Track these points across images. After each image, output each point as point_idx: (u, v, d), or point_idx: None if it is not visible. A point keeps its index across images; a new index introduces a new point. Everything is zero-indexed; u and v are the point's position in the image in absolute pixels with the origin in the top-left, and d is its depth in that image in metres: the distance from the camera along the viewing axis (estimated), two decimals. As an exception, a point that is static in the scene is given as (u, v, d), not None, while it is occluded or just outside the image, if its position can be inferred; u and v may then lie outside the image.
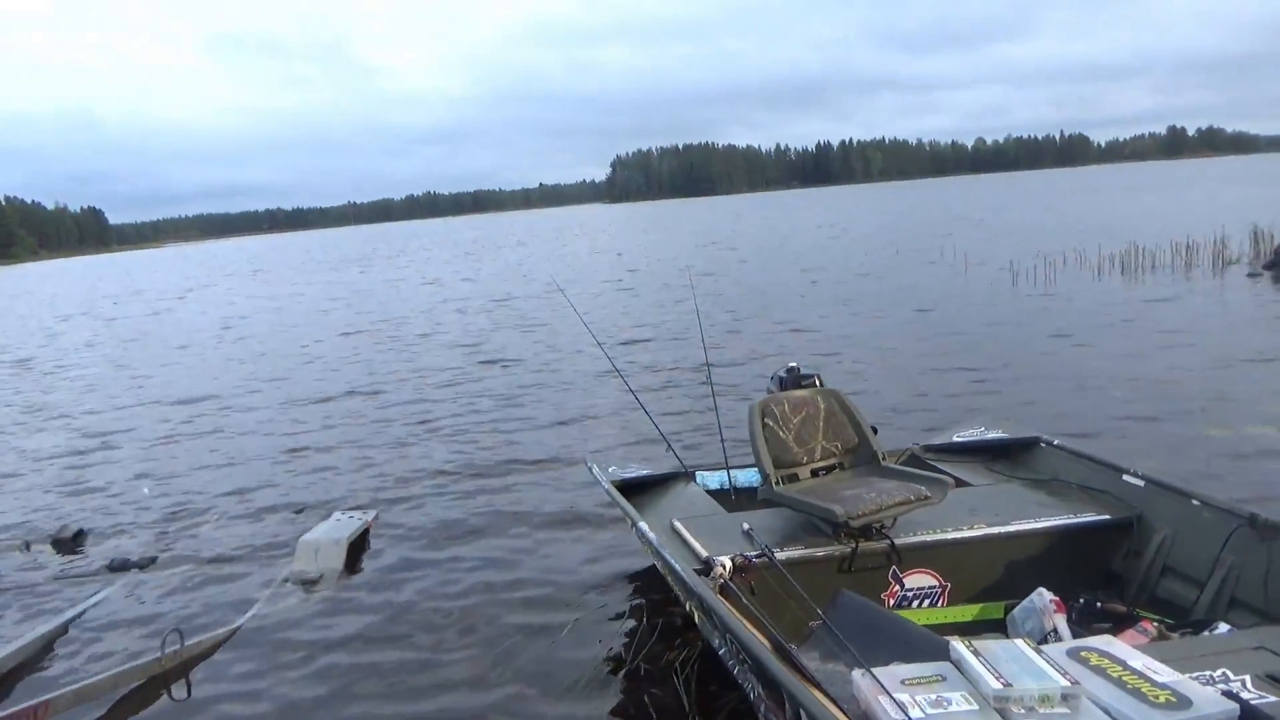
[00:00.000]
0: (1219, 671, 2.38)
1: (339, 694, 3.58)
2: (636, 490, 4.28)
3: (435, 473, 6.50)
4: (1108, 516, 3.64)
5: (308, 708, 3.50)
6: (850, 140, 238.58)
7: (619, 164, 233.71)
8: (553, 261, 27.97)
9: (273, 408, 9.37)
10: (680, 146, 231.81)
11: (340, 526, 5.06)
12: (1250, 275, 14.07)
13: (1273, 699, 2.24)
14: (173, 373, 12.50)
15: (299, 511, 5.85)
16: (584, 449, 6.68)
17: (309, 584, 4.64)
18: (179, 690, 3.71)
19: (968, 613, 3.44)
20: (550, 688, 3.49)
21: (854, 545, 3.44)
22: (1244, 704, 2.13)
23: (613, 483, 4.19)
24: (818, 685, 2.33)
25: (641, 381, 8.68)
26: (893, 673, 2.31)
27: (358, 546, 5.02)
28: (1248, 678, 2.34)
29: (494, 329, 13.95)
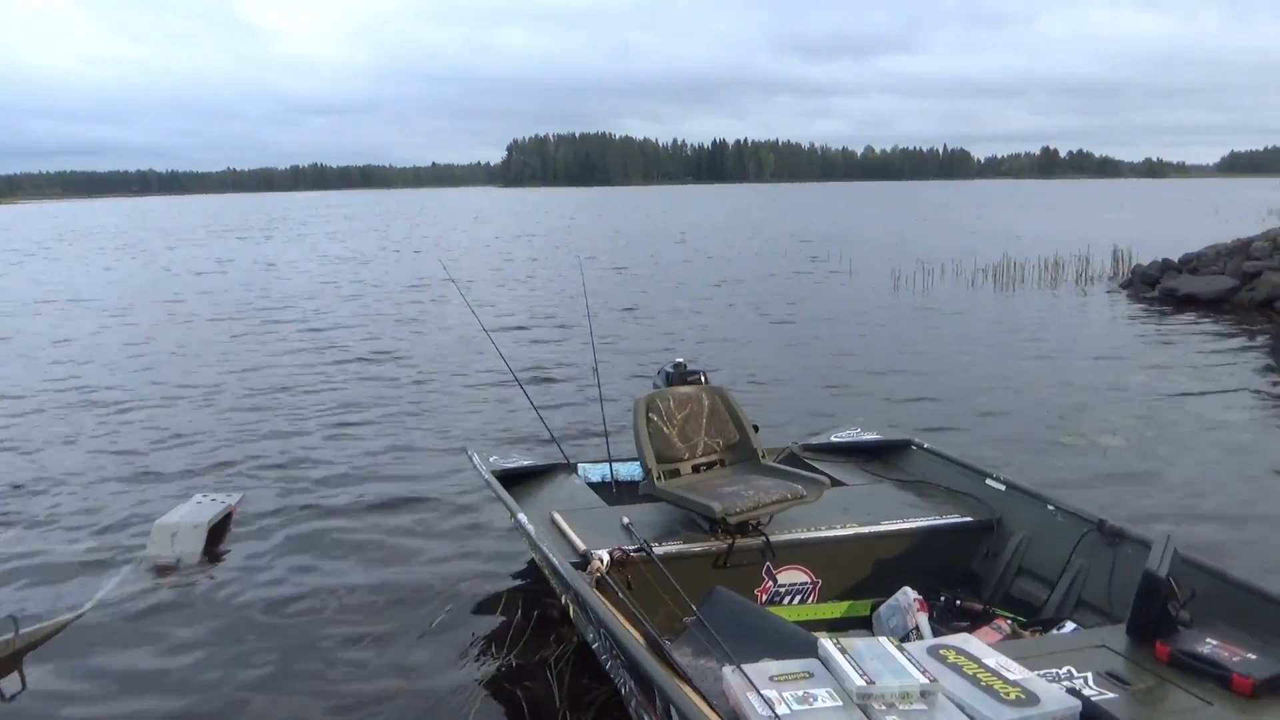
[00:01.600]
0: (1064, 669, 2.51)
1: (186, 686, 3.39)
2: (517, 481, 4.23)
3: (306, 459, 6.26)
4: (970, 519, 3.79)
5: (153, 700, 3.30)
6: (745, 140, 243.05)
7: (515, 148, 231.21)
8: (443, 245, 27.40)
9: (131, 386, 8.84)
10: (577, 135, 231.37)
11: (200, 510, 4.81)
12: (1109, 292, 15.00)
13: (1111, 695, 2.37)
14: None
15: (153, 495, 5.53)
16: (464, 438, 6.56)
17: (164, 570, 4.39)
18: (10, 683, 3.44)
19: (837, 609, 3.53)
20: (418, 680, 3.40)
21: (730, 541, 3.48)
22: (1085, 700, 2.25)
23: (493, 472, 4.12)
24: (689, 681, 2.34)
25: (527, 372, 8.59)
26: (762, 669, 2.34)
27: (219, 531, 4.78)
28: (1090, 675, 2.47)
29: (376, 314, 13.56)
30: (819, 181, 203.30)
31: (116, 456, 6.37)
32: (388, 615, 3.93)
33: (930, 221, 37.24)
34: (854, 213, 46.44)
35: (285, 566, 4.47)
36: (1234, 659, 2.48)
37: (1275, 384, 8.42)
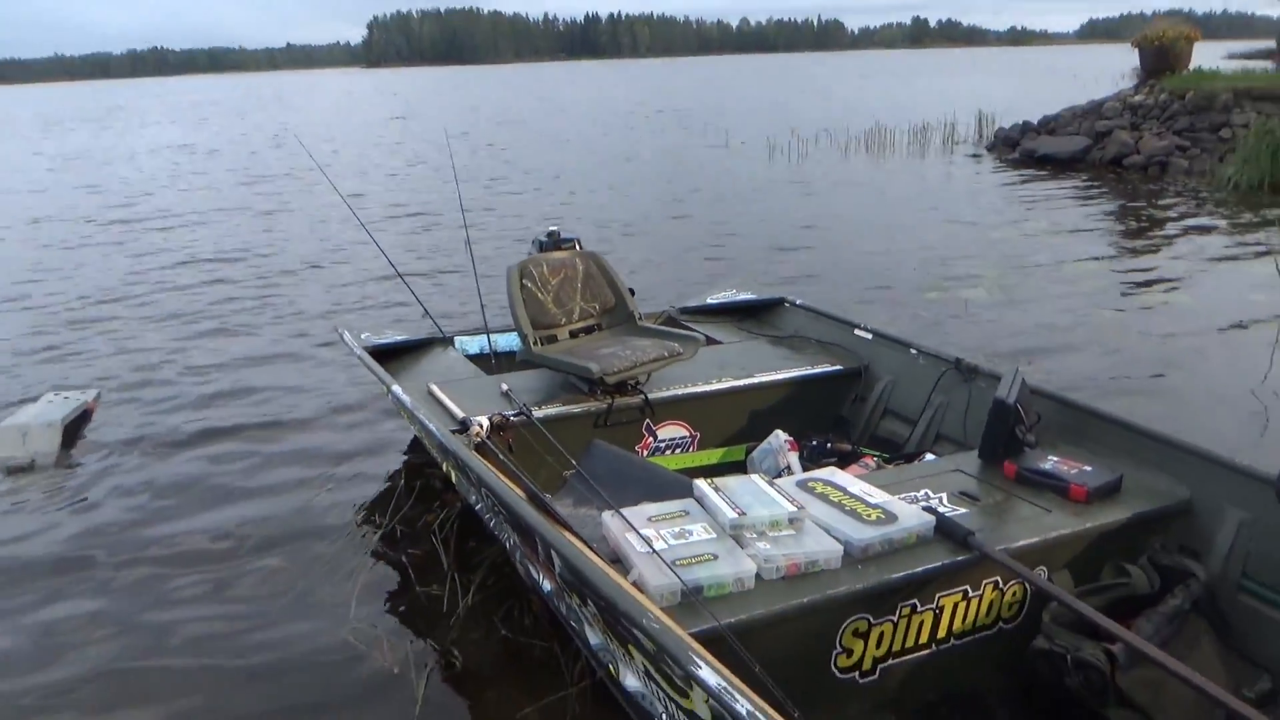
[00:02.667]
0: (922, 492, 2.68)
1: (59, 593, 3.26)
2: (392, 357, 4.14)
3: (170, 351, 5.97)
4: (839, 367, 3.94)
5: (21, 609, 3.18)
6: (619, 14, 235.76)
7: (376, 25, 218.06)
8: (307, 133, 25.90)
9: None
10: (443, 10, 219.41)
11: (53, 408, 4.55)
12: (974, 156, 15.49)
13: (963, 510, 2.55)
14: None
15: None
16: (335, 319, 6.36)
17: (18, 471, 4.16)
18: None
19: (713, 456, 3.66)
20: (300, 556, 3.38)
21: (610, 401, 3.53)
22: (939, 515, 2.41)
23: (366, 349, 4.02)
24: (569, 528, 2.39)
25: (401, 253, 8.34)
26: (640, 511, 2.41)
27: (75, 430, 4.54)
28: (944, 495, 2.65)
29: (238, 207, 12.81)
30: (695, 56, 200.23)
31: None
32: (262, 503, 3.83)
33: (804, 93, 37.32)
34: (730, 87, 46.04)
35: (151, 460, 4.29)
36: (1071, 472, 2.69)
37: (1120, 234, 8.95)
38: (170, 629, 2.99)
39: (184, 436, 4.55)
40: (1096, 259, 7.97)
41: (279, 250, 9.31)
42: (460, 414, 3.29)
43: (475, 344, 4.44)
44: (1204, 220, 9.42)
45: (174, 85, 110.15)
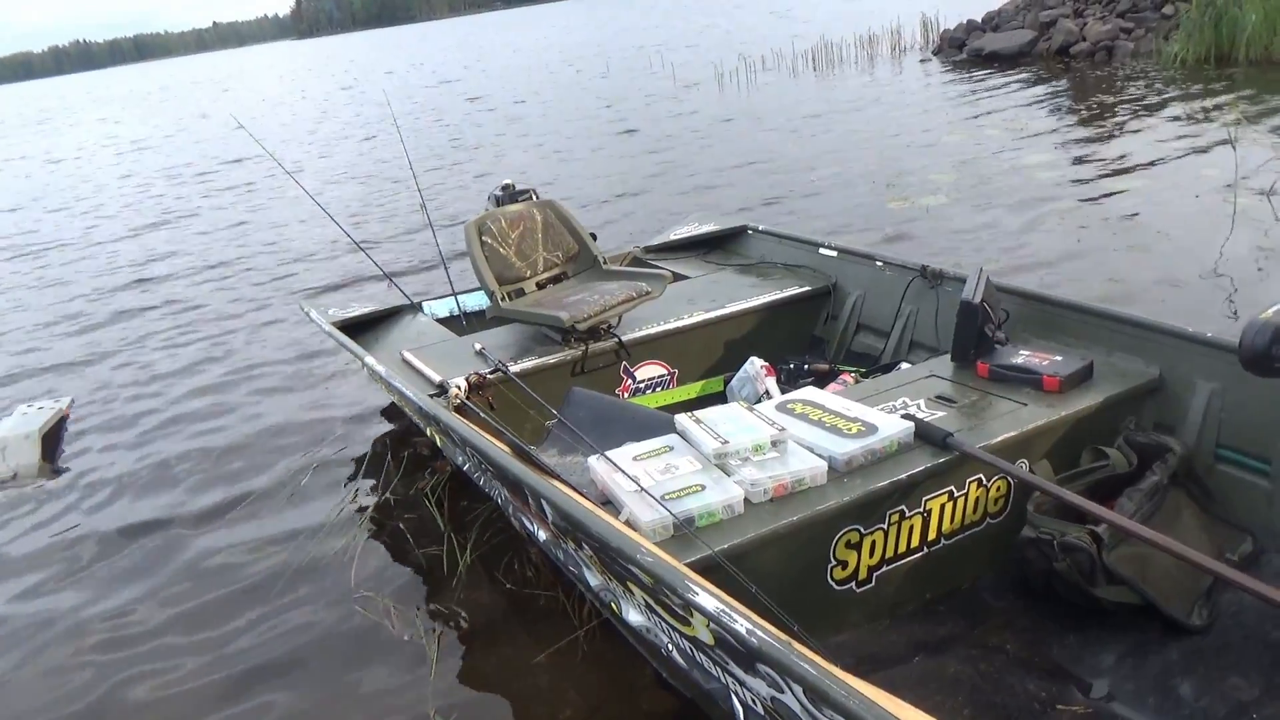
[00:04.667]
0: (899, 400, 2.71)
1: (64, 590, 3.28)
2: (361, 329, 4.10)
3: (135, 348, 5.90)
4: (808, 288, 3.96)
5: (27, 615, 3.19)
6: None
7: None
8: (249, 115, 25.28)
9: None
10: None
11: (28, 420, 4.50)
12: (922, 61, 15.36)
13: (940, 413, 2.59)
14: None
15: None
16: (300, 298, 6.29)
17: (2, 485, 4.13)
18: None
19: (692, 390, 3.68)
20: (296, 535, 3.39)
21: (585, 348, 3.53)
22: (917, 421, 2.45)
23: (333, 323, 3.98)
24: (557, 477, 2.41)
25: (357, 224, 8.23)
26: (624, 452, 2.43)
27: (54, 438, 4.51)
28: (921, 401, 2.69)
29: (183, 193, 12.55)
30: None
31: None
32: (252, 489, 3.83)
33: (745, 9, 36.77)
34: (676, 14, 45.22)
35: (134, 461, 4.26)
36: (1043, 363, 2.73)
37: (1073, 123, 8.96)
38: (176, 617, 3.01)
39: (162, 432, 4.53)
40: (1052, 150, 7.98)
41: (232, 238, 9.15)
42: (437, 378, 3.28)
43: (444, 307, 4.41)
44: (1153, 100, 9.44)
45: (105, 78, 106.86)
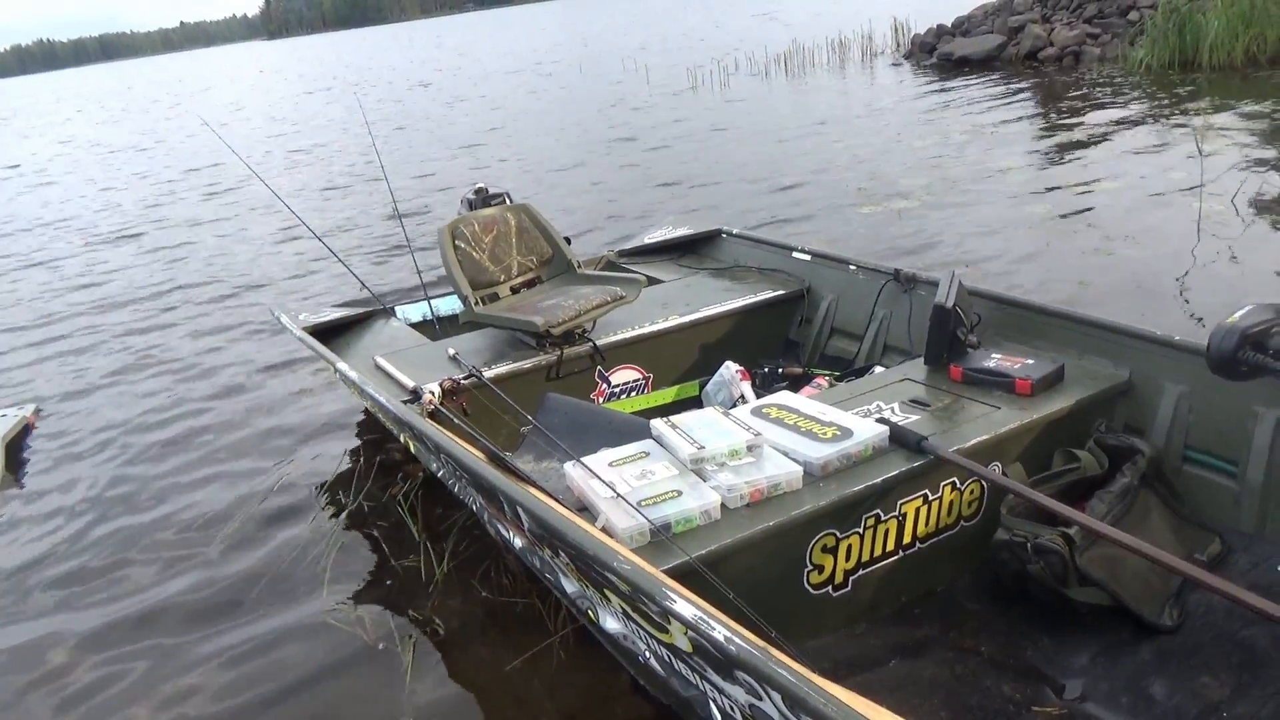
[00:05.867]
0: (874, 404, 2.73)
1: (27, 604, 3.21)
2: (333, 334, 4.07)
3: (101, 357, 5.80)
4: (782, 292, 3.97)
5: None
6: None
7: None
8: (221, 120, 25.00)
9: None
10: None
11: (-10, 427, 4.42)
12: (894, 65, 15.50)
13: (915, 417, 2.61)
14: None
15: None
16: (271, 303, 6.22)
17: (-37, 496, 4.05)
18: None
19: (668, 395, 3.68)
20: (267, 545, 3.34)
21: (559, 353, 3.51)
22: (892, 425, 2.46)
23: (305, 328, 3.94)
24: (533, 484, 2.40)
25: (335, 235, 8.15)
26: (601, 458, 2.42)
27: (17, 446, 4.42)
28: (896, 405, 2.71)
29: (150, 200, 12.38)
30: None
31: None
32: (219, 499, 3.77)
33: (715, 9, 36.89)
34: (647, 18, 45.28)
35: (99, 466, 4.19)
36: (1015, 367, 2.76)
37: (1041, 128, 9.07)
38: (147, 629, 2.96)
39: (130, 439, 4.44)
40: (1021, 154, 8.07)
41: (201, 241, 9.04)
42: (410, 383, 3.25)
43: (417, 311, 4.38)
44: (1119, 105, 9.58)
45: (70, 78, 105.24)
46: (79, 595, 3.23)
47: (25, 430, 4.57)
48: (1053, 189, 6.87)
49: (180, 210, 10.78)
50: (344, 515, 3.47)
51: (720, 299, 3.92)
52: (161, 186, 12.85)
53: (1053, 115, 9.67)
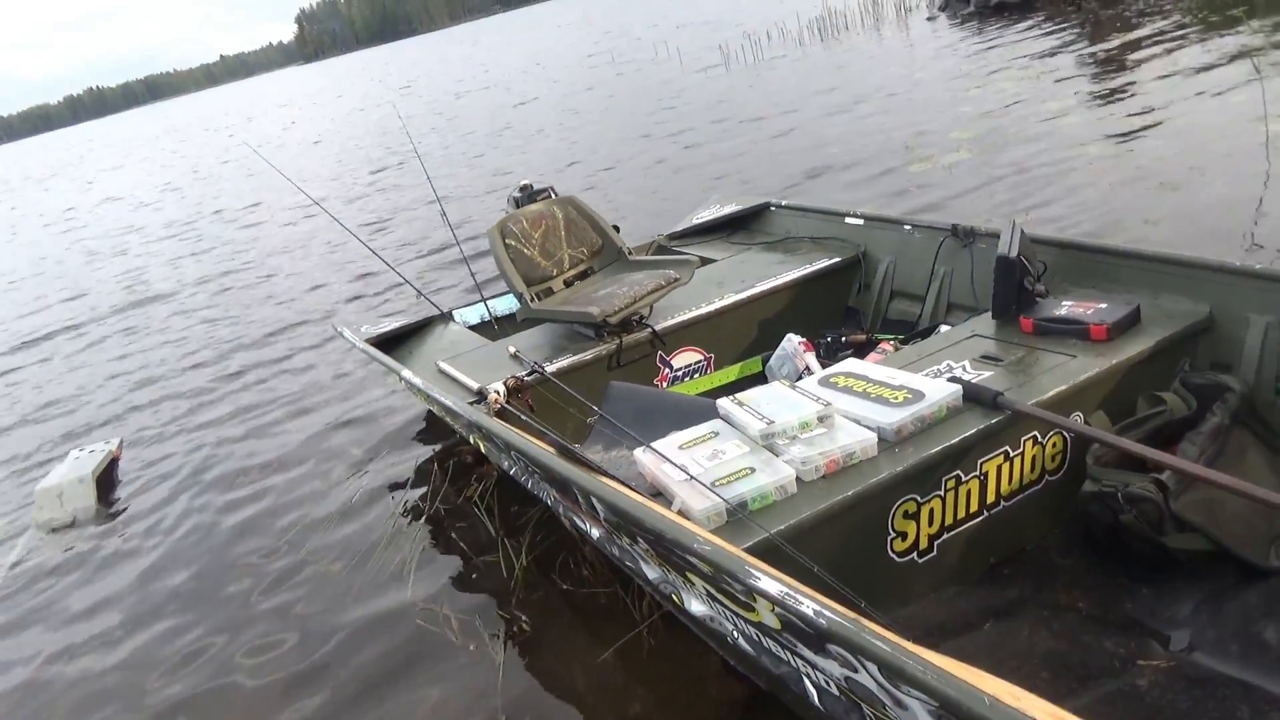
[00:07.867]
0: (944, 364, 2.66)
1: (136, 625, 3.33)
2: (394, 344, 4.12)
3: (175, 383, 5.98)
4: (838, 259, 3.90)
5: (93, 656, 3.24)
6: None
7: (304, 17, 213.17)
8: (272, 150, 25.55)
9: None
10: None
11: (80, 464, 4.57)
12: (929, 19, 15.12)
13: (988, 373, 2.54)
14: None
15: (25, 465, 5.22)
16: (333, 319, 6.33)
17: (61, 530, 4.20)
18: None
19: (731, 374, 3.65)
20: (352, 556, 3.41)
21: (618, 341, 3.51)
22: (965, 383, 2.40)
23: (367, 340, 4.00)
24: (605, 473, 2.39)
25: (381, 242, 8.27)
26: (670, 442, 2.41)
27: (108, 479, 4.58)
28: (966, 362, 2.64)
29: (200, 226, 12.72)
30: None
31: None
32: (302, 513, 3.85)
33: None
34: (668, 5, 44.95)
35: (186, 496, 4.31)
36: (1088, 312, 2.67)
37: (1091, 66, 8.76)
38: (241, 645, 3.04)
39: (211, 465, 4.57)
40: (1072, 96, 7.80)
41: (258, 263, 9.25)
42: (475, 385, 3.28)
43: (474, 313, 4.41)
44: (1168, 33, 9.20)
45: (120, 122, 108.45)
46: (176, 611, 3.35)
47: (112, 464, 4.73)
48: (1108, 126, 6.63)
49: (238, 235, 11.04)
50: (423, 521, 3.51)
51: (775, 272, 3.87)
52: (217, 219, 13.17)
53: (1100, 51, 9.33)
